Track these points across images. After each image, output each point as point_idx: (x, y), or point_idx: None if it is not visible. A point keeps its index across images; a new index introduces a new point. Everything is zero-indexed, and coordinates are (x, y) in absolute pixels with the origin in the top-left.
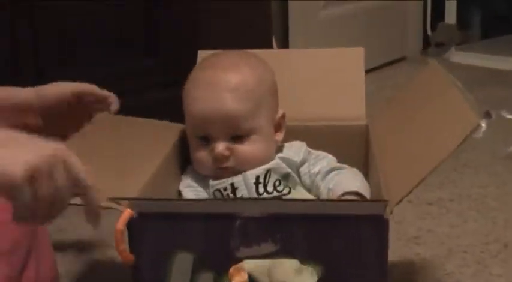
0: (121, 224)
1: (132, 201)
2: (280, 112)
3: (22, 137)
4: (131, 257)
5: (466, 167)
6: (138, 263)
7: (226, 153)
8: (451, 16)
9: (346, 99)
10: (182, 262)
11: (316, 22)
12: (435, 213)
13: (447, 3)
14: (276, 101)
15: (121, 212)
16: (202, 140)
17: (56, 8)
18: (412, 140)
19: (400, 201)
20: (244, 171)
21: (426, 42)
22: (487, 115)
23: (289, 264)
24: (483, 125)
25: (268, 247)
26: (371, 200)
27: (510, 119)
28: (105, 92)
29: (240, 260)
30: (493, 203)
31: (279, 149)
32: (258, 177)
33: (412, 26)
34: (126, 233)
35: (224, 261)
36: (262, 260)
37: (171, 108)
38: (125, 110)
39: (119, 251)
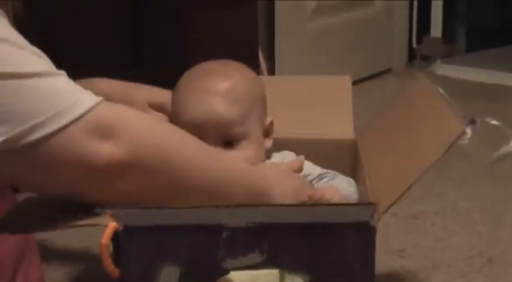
0: (106, 238)
1: (116, 213)
2: (268, 119)
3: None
4: (116, 272)
5: (451, 181)
6: (124, 276)
7: None
8: (436, 29)
9: (334, 121)
10: (168, 275)
11: (303, 34)
12: (420, 227)
13: (433, 17)
14: (265, 108)
15: (105, 225)
16: None
17: (40, 18)
18: (398, 152)
19: (387, 210)
20: None
21: (412, 55)
22: (472, 122)
23: (272, 276)
24: (468, 131)
25: (255, 258)
26: (359, 204)
27: (494, 125)
28: None
29: (226, 271)
30: (477, 216)
31: (268, 157)
32: None
33: (397, 39)
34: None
35: (211, 273)
36: (248, 271)
37: None
38: None
39: (104, 265)
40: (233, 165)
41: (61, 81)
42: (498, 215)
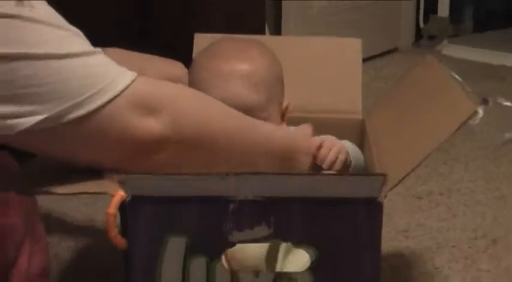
0: (113, 207)
1: (124, 181)
2: (285, 102)
3: None
4: (124, 242)
5: (456, 161)
6: (131, 246)
7: None
8: (443, 9)
9: (342, 92)
10: (175, 247)
11: (310, 12)
12: (425, 207)
13: None
14: (283, 90)
15: (112, 194)
16: None
17: None
18: (407, 131)
19: (393, 187)
20: None
21: (418, 35)
22: (484, 102)
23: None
24: (480, 111)
25: (262, 231)
26: (369, 175)
27: (506, 106)
28: None
29: (233, 244)
30: (482, 197)
31: None
32: None
33: (404, 18)
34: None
35: (217, 246)
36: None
37: None
38: None
39: (111, 236)
40: (267, 132)
41: (99, 59)
42: (503, 196)
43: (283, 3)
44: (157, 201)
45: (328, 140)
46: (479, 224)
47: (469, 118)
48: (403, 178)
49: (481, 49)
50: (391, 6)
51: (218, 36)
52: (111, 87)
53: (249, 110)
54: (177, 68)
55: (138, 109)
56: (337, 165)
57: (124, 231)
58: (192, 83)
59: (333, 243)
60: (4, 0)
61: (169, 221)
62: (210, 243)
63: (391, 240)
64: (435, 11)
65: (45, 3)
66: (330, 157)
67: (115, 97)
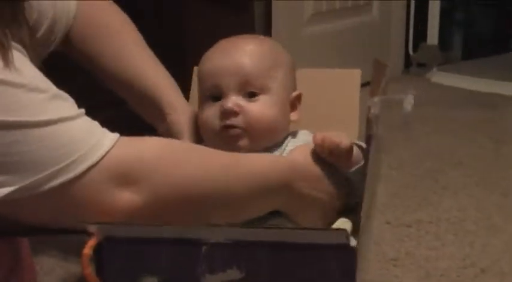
0: (88, 248)
1: (99, 226)
2: (296, 92)
3: None
4: (97, 281)
5: (445, 190)
6: None
7: (236, 108)
8: (433, 37)
9: (340, 122)
10: None
11: (300, 40)
12: (414, 236)
13: (429, 24)
14: (293, 79)
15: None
16: (212, 100)
17: None
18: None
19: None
20: (250, 137)
21: (408, 62)
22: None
23: None
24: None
25: (234, 274)
26: (331, 229)
27: (386, 99)
28: None
29: None
30: (471, 226)
31: (294, 134)
32: None
33: (394, 46)
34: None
35: None
36: None
37: None
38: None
39: (85, 274)
40: (254, 173)
41: (78, 124)
42: (492, 225)
43: (273, 31)
44: (131, 242)
45: (335, 135)
46: (468, 253)
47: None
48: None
49: (470, 77)
50: (380, 34)
51: None
52: (87, 156)
53: (245, 75)
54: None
55: (116, 180)
56: (342, 147)
57: (99, 271)
58: (199, 65)
59: None
60: None
61: (143, 262)
62: None
63: (379, 268)
64: (424, 39)
65: (26, 60)
66: (333, 138)
67: (91, 167)
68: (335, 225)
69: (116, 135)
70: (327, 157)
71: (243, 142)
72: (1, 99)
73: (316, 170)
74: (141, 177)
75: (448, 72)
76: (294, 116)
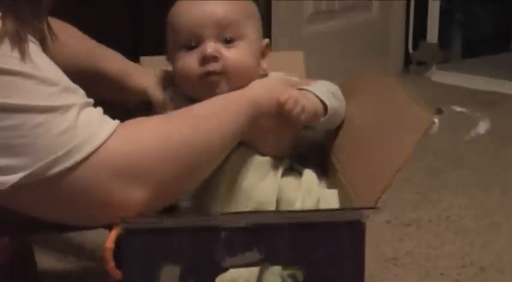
0: (110, 241)
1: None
2: (265, 40)
3: None
4: (119, 274)
5: (445, 188)
6: (126, 277)
7: (216, 53)
8: (432, 35)
9: None
10: (168, 274)
11: (299, 38)
12: (413, 234)
13: (429, 22)
14: (260, 28)
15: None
16: (188, 48)
17: None
18: (371, 150)
19: (375, 204)
20: (229, 82)
21: (407, 61)
22: (439, 111)
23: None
24: (436, 121)
25: (254, 256)
26: (348, 208)
27: (460, 111)
28: None
29: (225, 269)
30: (471, 225)
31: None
32: None
33: (393, 44)
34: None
35: (210, 272)
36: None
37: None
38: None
39: (108, 268)
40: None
41: (82, 113)
42: (492, 223)
43: (273, 30)
44: (150, 232)
45: (302, 97)
46: (468, 251)
47: (428, 128)
48: (379, 198)
49: (470, 75)
50: (380, 32)
51: (164, 58)
52: (85, 145)
53: (224, 22)
54: (133, 79)
55: (118, 174)
56: (304, 116)
57: (119, 263)
58: (171, 17)
59: (319, 264)
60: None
61: (163, 251)
62: (203, 270)
63: (380, 268)
64: (424, 37)
65: (39, 51)
66: (296, 109)
67: (86, 158)
68: (323, 197)
69: (115, 124)
70: None
71: (223, 88)
72: (12, 88)
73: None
74: (144, 171)
75: (448, 71)
76: (263, 63)
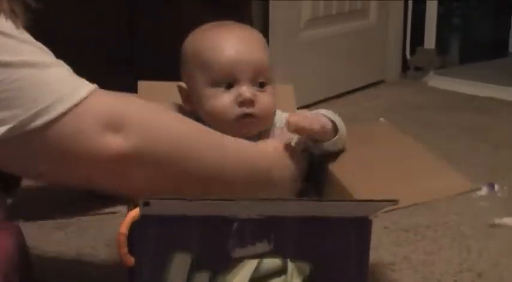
0: (124, 227)
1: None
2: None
3: None
4: (132, 260)
5: None
6: (138, 263)
7: (253, 97)
8: (430, 41)
9: None
10: (180, 262)
11: (297, 44)
12: (411, 240)
13: (427, 28)
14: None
15: (124, 215)
16: (222, 88)
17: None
18: (391, 184)
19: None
20: (260, 124)
21: (405, 66)
22: (490, 185)
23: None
24: (483, 191)
25: (263, 247)
26: (359, 201)
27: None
28: None
29: (235, 259)
30: (468, 231)
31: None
32: None
33: (391, 50)
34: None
35: (220, 261)
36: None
37: None
38: None
39: (121, 253)
40: (236, 150)
41: (62, 70)
42: (489, 229)
43: (270, 36)
44: (164, 220)
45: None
46: (465, 257)
47: (468, 191)
48: (393, 200)
49: (467, 81)
50: (378, 38)
51: (160, 83)
52: (70, 96)
53: (262, 66)
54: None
55: (104, 124)
56: (315, 127)
57: (131, 249)
58: (199, 52)
59: (326, 257)
60: None
61: (175, 240)
62: (214, 259)
63: (377, 273)
64: (421, 43)
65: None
66: (304, 122)
67: (77, 105)
68: None
69: (95, 85)
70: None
71: (254, 128)
72: None
73: (284, 160)
74: (129, 122)
75: (445, 76)
76: None
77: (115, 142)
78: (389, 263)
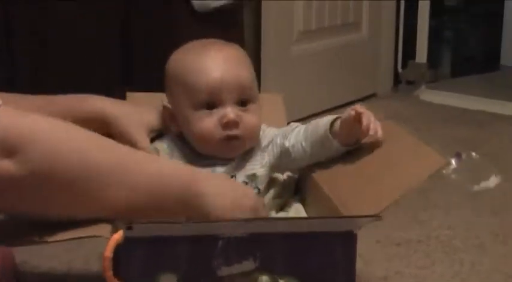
0: (109, 251)
1: (118, 226)
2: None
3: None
4: None
5: (435, 208)
6: None
7: (237, 118)
8: (421, 55)
9: None
10: None
11: (289, 58)
12: (403, 254)
13: (418, 42)
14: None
15: (108, 238)
16: (207, 110)
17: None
18: (371, 181)
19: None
20: (244, 144)
21: (397, 80)
22: (457, 155)
23: None
24: (453, 163)
25: (249, 265)
26: (344, 217)
27: (479, 158)
28: None
29: (221, 278)
30: (460, 245)
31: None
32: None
33: (383, 64)
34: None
35: (206, 280)
36: None
37: None
38: None
39: (106, 276)
40: (158, 169)
41: None
42: (481, 243)
43: (262, 49)
44: (149, 241)
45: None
46: (457, 271)
47: (440, 168)
48: (376, 215)
49: (459, 94)
50: (369, 52)
51: (150, 94)
52: None
53: (244, 86)
54: (87, 102)
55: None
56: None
57: (117, 271)
58: (182, 70)
59: (313, 272)
60: None
61: (161, 260)
62: (200, 279)
63: None
64: (413, 57)
65: None
66: (374, 124)
67: None
68: (292, 210)
69: None
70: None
71: (239, 149)
72: None
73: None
74: (21, 148)
75: (437, 90)
76: None
77: (8, 167)
78: (381, 278)
